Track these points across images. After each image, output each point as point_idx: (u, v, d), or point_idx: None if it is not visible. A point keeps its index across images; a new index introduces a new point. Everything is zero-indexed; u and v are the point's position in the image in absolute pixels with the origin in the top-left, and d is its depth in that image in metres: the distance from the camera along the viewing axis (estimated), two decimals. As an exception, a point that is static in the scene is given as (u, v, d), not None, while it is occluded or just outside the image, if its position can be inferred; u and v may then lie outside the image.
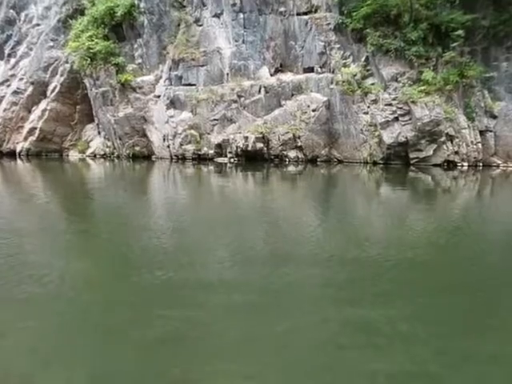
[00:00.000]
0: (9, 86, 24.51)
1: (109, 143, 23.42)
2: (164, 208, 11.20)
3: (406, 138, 18.64)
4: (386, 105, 18.92)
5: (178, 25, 21.29)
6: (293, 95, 20.19)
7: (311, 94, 20.03)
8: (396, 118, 18.83)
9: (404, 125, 18.73)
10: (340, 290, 5.23)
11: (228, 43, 20.90)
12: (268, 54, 20.74)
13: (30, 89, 23.98)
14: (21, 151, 24.55)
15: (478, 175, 17.66)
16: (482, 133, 19.00)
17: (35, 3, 23.90)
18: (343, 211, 10.73)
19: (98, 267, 6.08)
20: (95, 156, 23.93)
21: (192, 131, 20.96)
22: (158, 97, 21.79)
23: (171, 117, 21.38)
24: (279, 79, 20.41)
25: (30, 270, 5.64)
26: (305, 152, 20.19)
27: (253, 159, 19.93)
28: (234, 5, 20.54)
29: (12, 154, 24.53)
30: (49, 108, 23.85)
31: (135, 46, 22.05)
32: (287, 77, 20.55)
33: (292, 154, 20.20)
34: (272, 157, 20.27)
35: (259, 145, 19.87)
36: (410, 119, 18.58)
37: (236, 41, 20.80)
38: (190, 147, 21.14)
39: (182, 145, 21.27)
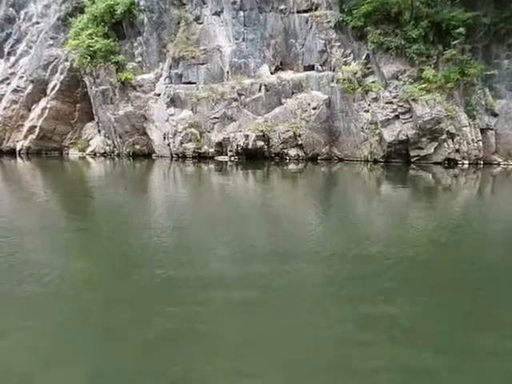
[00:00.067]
0: (9, 84, 24.47)
1: (109, 141, 23.40)
2: (164, 206, 11.18)
3: (407, 136, 18.60)
4: (386, 103, 18.87)
5: (178, 23, 21.24)
6: (293, 93, 20.15)
7: (312, 92, 19.99)
8: (397, 116, 18.79)
9: (405, 123, 18.69)
10: (341, 288, 5.22)
11: (228, 41, 20.86)
12: (268, 52, 20.69)
13: (30, 87, 23.95)
14: (21, 149, 24.52)
15: (479, 173, 17.63)
16: (482, 131, 18.95)
17: (35, 1, 23.84)
18: (344, 210, 10.71)
19: (98, 266, 6.06)
20: (95, 154, 23.91)
21: (192, 129, 20.93)
22: (159, 95, 21.76)
23: (171, 115, 21.35)
24: (280, 77, 20.36)
25: (31, 268, 5.63)
26: (305, 150, 20.15)
27: (253, 157, 19.91)
28: (234, 3, 20.48)
29: (12, 153, 24.51)
30: (49, 106, 23.82)
31: (135, 44, 22.01)
32: (288, 75, 20.50)
33: (292, 152, 20.17)
34: (272, 155, 20.25)
35: (260, 143, 19.84)
36: (411, 117, 18.54)
37: (236, 39, 20.75)
38: (191, 145, 21.11)
39: (182, 143, 21.24)
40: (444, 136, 18.43)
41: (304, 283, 5.36)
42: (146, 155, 22.53)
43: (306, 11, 20.05)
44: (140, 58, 22.09)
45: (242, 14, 20.56)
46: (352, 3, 18.88)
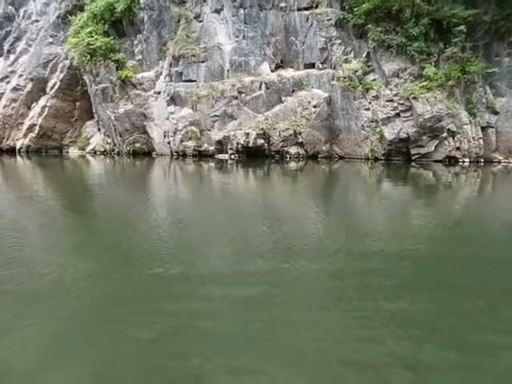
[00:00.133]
0: (8, 82, 24.44)
1: (109, 140, 23.37)
2: (165, 205, 11.15)
3: (408, 134, 18.60)
4: (387, 101, 18.87)
5: (178, 21, 21.20)
6: (294, 91, 20.13)
7: (312, 90, 19.97)
8: (397, 114, 18.78)
9: (405, 121, 18.68)
10: (345, 284, 5.20)
11: (228, 39, 20.82)
12: (269, 50, 20.66)
13: (30, 85, 23.92)
14: (20, 148, 24.50)
15: (480, 171, 17.61)
16: (483, 129, 18.96)
17: (34, -1, 23.80)
18: (345, 207, 10.69)
19: (97, 263, 6.04)
20: (95, 153, 23.88)
21: (192, 128, 20.90)
22: (159, 93, 21.73)
23: (171, 113, 21.33)
24: (280, 75, 20.34)
25: (33, 267, 5.61)
26: (306, 148, 20.14)
27: (254, 155, 19.89)
28: (234, 0, 20.45)
29: (12, 151, 24.49)
30: (48, 105, 23.79)
31: (135, 42, 21.97)
32: (288, 73, 20.48)
33: (293, 150, 20.15)
34: (273, 153, 20.23)
35: (260, 141, 19.82)
36: (412, 115, 18.53)
37: (236, 36, 20.72)
38: (191, 144, 21.09)
39: (182, 141, 21.22)
40: (445, 134, 18.42)
41: (307, 279, 5.34)
42: (146, 153, 22.51)
43: (306, 9, 20.03)
44: (140, 56, 22.06)
45: (242, 11, 20.52)
46: (353, 1, 18.89)
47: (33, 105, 24.23)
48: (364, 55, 19.39)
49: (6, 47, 24.55)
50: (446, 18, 18.06)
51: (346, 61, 19.54)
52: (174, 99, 21.26)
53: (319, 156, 20.15)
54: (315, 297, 4.92)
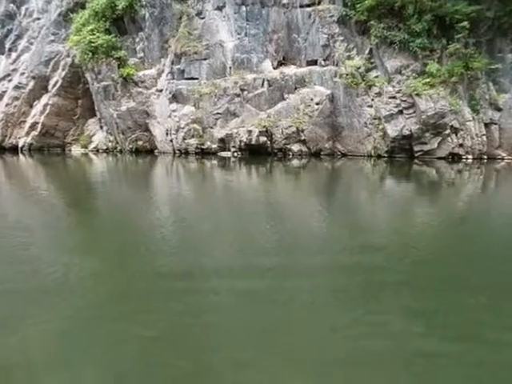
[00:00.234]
0: (10, 80, 24.43)
1: (111, 138, 23.36)
2: (168, 202, 11.15)
3: (411, 130, 18.53)
4: (390, 98, 18.79)
5: (180, 18, 21.14)
6: (296, 88, 20.07)
7: (315, 87, 19.90)
8: (400, 111, 18.71)
9: (408, 118, 18.62)
10: (348, 281, 5.19)
11: (230, 36, 20.75)
12: (271, 47, 20.59)
13: (32, 83, 23.90)
14: (23, 146, 24.51)
15: (483, 168, 17.56)
16: (486, 125, 18.87)
17: (35, -3, 23.76)
18: (348, 205, 10.67)
19: (102, 260, 6.04)
20: (98, 151, 23.88)
21: (195, 125, 20.87)
22: (161, 91, 21.69)
23: (174, 111, 21.29)
24: (282, 72, 20.27)
25: (37, 266, 5.61)
26: (308, 145, 20.09)
27: (256, 153, 19.85)
28: (236, -3, 20.37)
29: (14, 149, 24.50)
30: (50, 103, 23.78)
31: (137, 39, 21.92)
32: (290, 70, 20.41)
33: (295, 147, 20.11)
34: (275, 150, 20.19)
35: (262, 139, 19.78)
36: (415, 112, 18.46)
37: (238, 34, 20.65)
38: (193, 141, 21.06)
39: (184, 139, 21.18)
40: (448, 131, 18.35)
41: (311, 275, 5.33)
42: (148, 151, 22.49)
43: (308, 5, 19.93)
44: (142, 54, 22.01)
45: (244, 8, 20.45)
46: (355, -3, 18.78)
47: (35, 103, 24.22)
48: (366, 52, 19.31)
49: (7, 45, 24.52)
50: (448, 14, 17.95)
51: (349, 57, 19.46)
52: (176, 97, 21.22)
53: (322, 153, 20.10)
54: (319, 292, 4.92)
